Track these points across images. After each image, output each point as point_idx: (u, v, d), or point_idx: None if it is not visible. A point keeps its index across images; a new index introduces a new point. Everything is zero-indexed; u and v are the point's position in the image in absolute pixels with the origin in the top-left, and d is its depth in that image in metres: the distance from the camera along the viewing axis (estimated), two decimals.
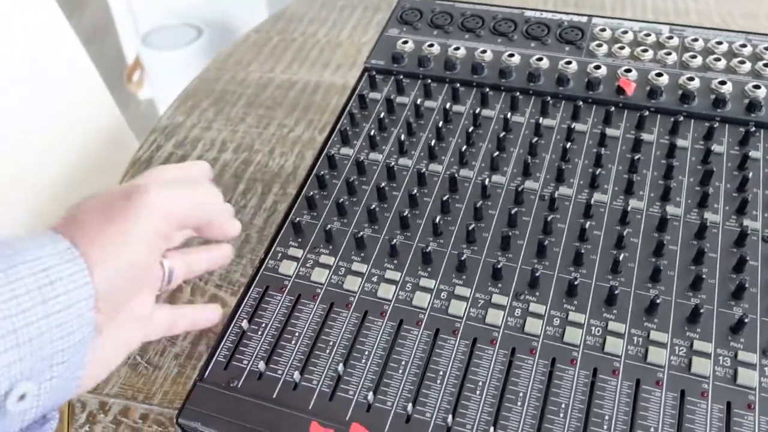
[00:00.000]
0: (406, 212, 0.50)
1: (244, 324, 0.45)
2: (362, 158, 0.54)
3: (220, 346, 0.44)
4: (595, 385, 0.41)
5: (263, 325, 0.46)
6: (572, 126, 0.54)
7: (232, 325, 0.45)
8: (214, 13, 2.01)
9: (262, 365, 0.43)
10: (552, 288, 0.46)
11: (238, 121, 0.82)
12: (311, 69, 0.91)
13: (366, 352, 0.44)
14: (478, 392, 0.41)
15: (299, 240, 0.50)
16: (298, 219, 0.51)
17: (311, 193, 0.52)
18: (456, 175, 0.52)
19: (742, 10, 0.99)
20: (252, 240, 0.64)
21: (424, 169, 0.53)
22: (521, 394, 0.41)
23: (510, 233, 0.48)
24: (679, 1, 1.01)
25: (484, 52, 0.61)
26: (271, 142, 0.78)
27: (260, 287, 0.48)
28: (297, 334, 0.45)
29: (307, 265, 0.49)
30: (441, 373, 0.42)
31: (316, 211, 0.52)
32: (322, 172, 0.53)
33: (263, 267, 0.49)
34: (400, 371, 0.43)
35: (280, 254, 0.50)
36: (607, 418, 0.40)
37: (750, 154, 0.51)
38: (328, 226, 0.50)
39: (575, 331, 0.43)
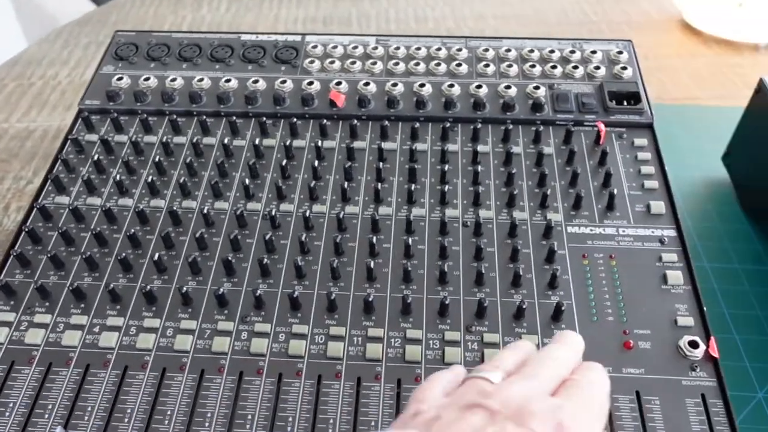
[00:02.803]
0: (125, 254, 0.48)
1: None
2: (79, 204, 0.52)
3: None
4: (320, 392, 0.42)
5: None
6: (289, 143, 0.55)
7: None
8: None
9: None
10: (277, 305, 0.47)
11: None
12: (52, 114, 0.85)
13: (88, 408, 0.42)
14: (207, 424, 0.41)
15: (12, 302, 0.47)
16: (6, 280, 0.47)
17: (21, 250, 0.49)
18: (178, 208, 0.52)
19: (473, 12, 1.08)
20: None
21: (144, 207, 0.52)
22: (249, 417, 0.41)
23: (232, 258, 0.48)
24: (419, 9, 1.09)
25: (201, 80, 0.61)
26: (6, 198, 0.72)
27: None
28: (11, 404, 0.42)
29: (21, 328, 0.46)
30: (169, 413, 0.42)
31: (30, 268, 0.49)
32: (33, 226, 0.50)
33: None
34: (126, 420, 0.41)
35: None
36: (331, 422, 0.41)
37: (448, 148, 0.55)
38: (41, 281, 0.47)
39: (300, 344, 0.44)
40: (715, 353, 0.43)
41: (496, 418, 0.30)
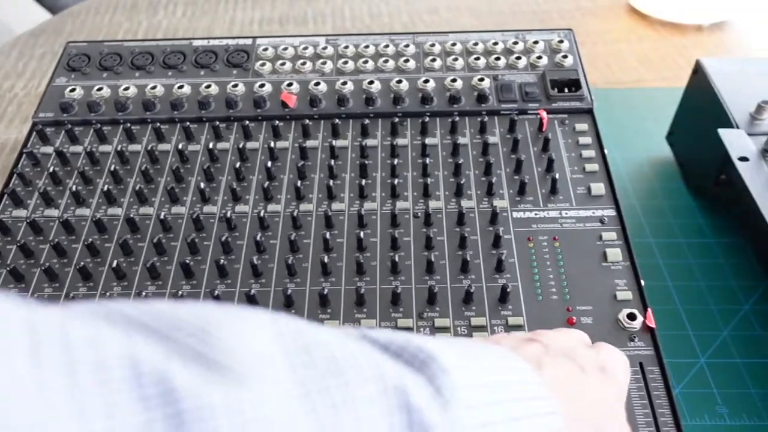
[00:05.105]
0: (83, 263, 0.49)
1: None
2: (37, 217, 0.53)
3: None
4: None
5: None
6: (243, 145, 0.57)
7: None
8: None
9: None
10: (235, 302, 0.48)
11: None
12: (9, 127, 0.85)
13: None
14: None
15: None
16: None
17: None
18: (135, 215, 0.53)
19: (427, 6, 1.09)
20: None
21: (101, 216, 0.53)
22: None
23: (190, 261, 0.50)
24: (373, 6, 1.10)
25: (154, 87, 0.62)
26: None
27: None
28: None
29: None
30: None
31: None
32: None
33: None
34: None
35: None
36: None
37: (397, 142, 0.57)
38: None
39: None
40: (651, 324, 0.45)
41: (549, 350, 0.35)
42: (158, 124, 0.59)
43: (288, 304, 0.48)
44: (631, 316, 0.46)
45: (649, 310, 0.46)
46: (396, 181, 0.54)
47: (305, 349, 0.24)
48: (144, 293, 0.47)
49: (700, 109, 0.66)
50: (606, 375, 0.36)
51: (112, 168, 0.55)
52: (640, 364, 0.44)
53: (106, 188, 0.54)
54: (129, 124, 0.59)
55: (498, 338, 0.38)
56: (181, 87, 0.62)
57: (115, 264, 0.49)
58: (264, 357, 0.22)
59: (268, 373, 0.22)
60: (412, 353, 0.27)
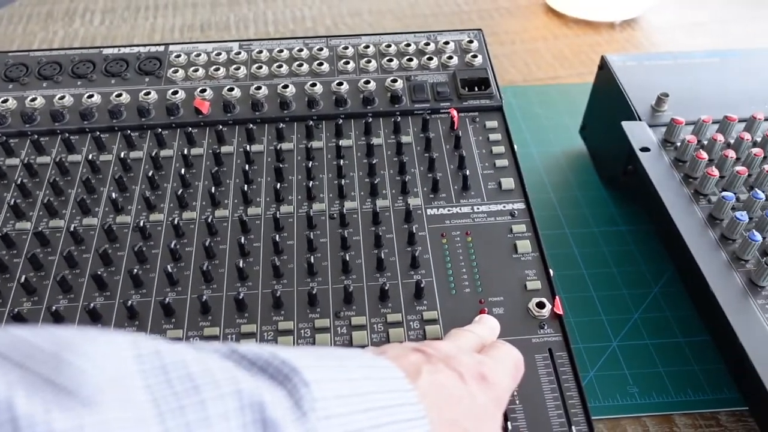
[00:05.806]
0: None
1: None
2: None
3: None
4: None
5: None
6: (156, 154, 0.56)
7: None
8: None
9: None
10: (151, 313, 0.48)
11: None
12: None
13: None
14: None
15: None
16: None
17: None
18: (45, 228, 0.52)
19: (349, 9, 1.10)
20: None
21: (9, 230, 0.51)
22: None
23: (103, 272, 0.49)
24: (296, 10, 1.10)
25: (62, 98, 0.60)
26: None
27: None
28: None
29: None
30: None
31: None
32: None
33: None
34: None
35: None
36: None
37: (312, 145, 0.58)
38: None
39: None
40: (559, 311, 0.47)
41: (431, 359, 0.37)
42: (68, 134, 0.57)
43: (204, 310, 0.48)
44: (540, 305, 0.47)
45: (557, 297, 0.48)
46: (312, 183, 0.55)
47: (163, 369, 0.24)
48: (54, 307, 0.46)
49: (607, 104, 0.69)
50: (486, 382, 0.37)
51: (20, 181, 0.54)
52: (550, 350, 0.46)
53: (13, 202, 0.53)
54: (37, 136, 0.57)
55: (385, 348, 0.39)
56: (90, 96, 0.61)
57: (23, 279, 0.48)
58: (117, 379, 0.23)
59: (120, 396, 0.22)
60: (277, 367, 0.28)
